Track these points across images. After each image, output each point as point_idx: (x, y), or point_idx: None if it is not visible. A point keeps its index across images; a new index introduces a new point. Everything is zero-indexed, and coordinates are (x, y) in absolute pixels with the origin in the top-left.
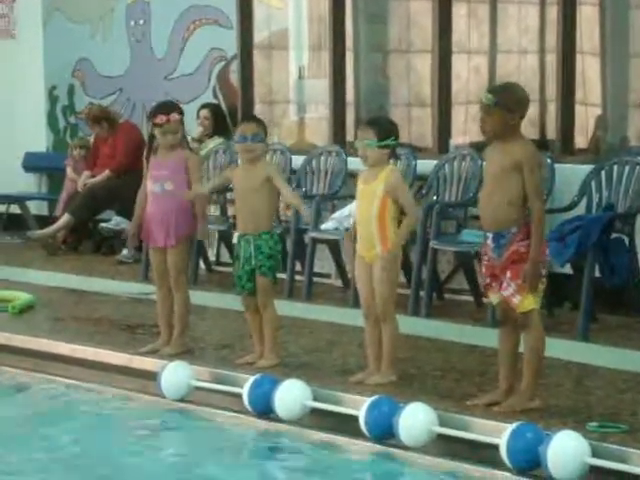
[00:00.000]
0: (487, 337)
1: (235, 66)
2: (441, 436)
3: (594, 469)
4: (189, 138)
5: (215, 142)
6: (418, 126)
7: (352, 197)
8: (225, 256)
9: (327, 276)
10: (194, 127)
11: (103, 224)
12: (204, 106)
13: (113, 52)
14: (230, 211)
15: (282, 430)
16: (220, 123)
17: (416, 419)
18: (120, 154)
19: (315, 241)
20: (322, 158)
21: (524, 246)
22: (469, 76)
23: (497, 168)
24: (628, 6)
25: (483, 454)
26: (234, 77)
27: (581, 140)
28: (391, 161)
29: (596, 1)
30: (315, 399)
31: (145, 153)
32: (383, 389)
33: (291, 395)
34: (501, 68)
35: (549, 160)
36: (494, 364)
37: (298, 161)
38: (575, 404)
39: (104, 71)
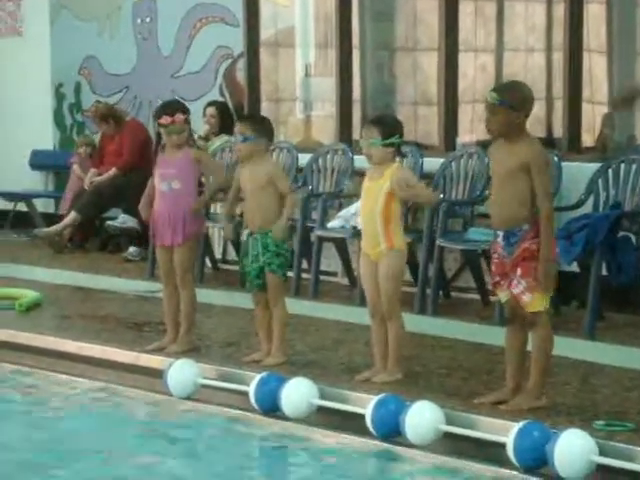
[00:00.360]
0: (494, 335)
1: (242, 64)
2: (447, 434)
3: (601, 467)
4: (196, 136)
5: (222, 140)
6: (424, 124)
7: (359, 195)
8: (231, 254)
9: (334, 274)
10: (201, 125)
11: (110, 222)
12: (210, 104)
13: (120, 50)
14: (237, 209)
15: (288, 428)
16: (226, 121)
17: (422, 417)
18: (127, 152)
19: (321, 239)
20: (328, 156)
21: (535, 243)
22: (476, 74)
23: (504, 169)
24: (635, 4)
25: (490, 452)
26: (240, 75)
27: (588, 138)
28: (397, 159)
29: None
30: (322, 397)
31: (154, 150)
32: (389, 387)
33: (298, 393)
34: (508, 66)
35: (556, 158)
36: (501, 362)
37: (304, 159)
38: (582, 402)
39: (111, 69)
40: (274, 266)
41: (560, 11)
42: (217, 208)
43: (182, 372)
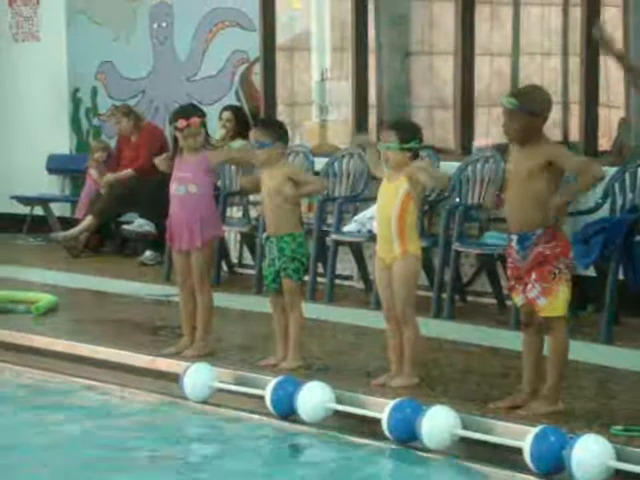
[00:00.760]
0: (510, 340)
1: (257, 68)
2: (464, 439)
3: (619, 473)
4: (213, 141)
5: (238, 144)
6: (440, 128)
7: (375, 199)
8: (247, 258)
9: (349, 278)
10: (217, 130)
11: (126, 226)
12: (226, 108)
13: (136, 54)
14: (252, 213)
15: (304, 432)
16: (242, 125)
17: (439, 422)
18: (143, 155)
19: (337, 243)
20: (344, 160)
21: (549, 248)
22: (491, 78)
23: (523, 170)
24: None
25: (506, 457)
26: (256, 79)
27: (604, 142)
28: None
29: (619, 3)
30: (338, 401)
31: (171, 155)
32: (405, 391)
33: (314, 397)
34: (524, 70)
35: None
36: (517, 367)
37: (320, 163)
38: (599, 407)
39: (127, 73)
40: (289, 271)
41: (576, 15)
42: (233, 212)
43: (198, 376)
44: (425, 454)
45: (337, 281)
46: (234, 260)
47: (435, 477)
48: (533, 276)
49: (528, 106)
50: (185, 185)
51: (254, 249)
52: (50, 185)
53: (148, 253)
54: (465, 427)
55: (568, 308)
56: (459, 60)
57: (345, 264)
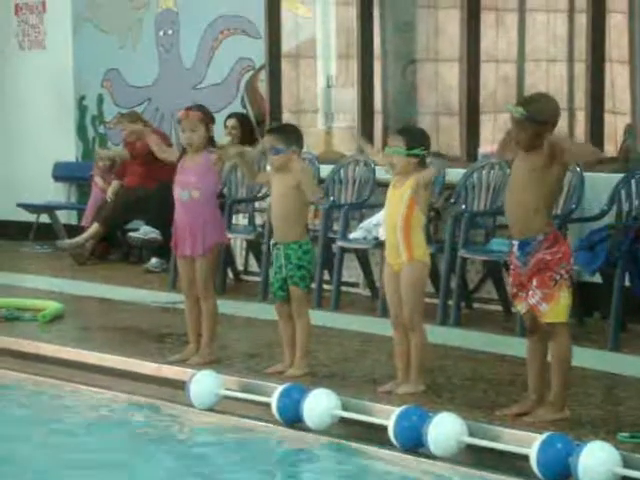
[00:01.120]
0: (516, 346)
1: (263, 75)
2: (470, 446)
3: None
4: (218, 145)
5: None
6: (446, 135)
7: (381, 206)
8: (253, 265)
9: (355, 285)
10: (222, 137)
11: (131, 233)
12: (231, 116)
13: (142, 62)
14: (258, 220)
15: (310, 440)
16: (247, 132)
17: (445, 429)
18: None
19: (343, 250)
20: (350, 167)
21: (549, 254)
22: (497, 85)
23: (525, 173)
24: None
25: (512, 464)
26: (262, 86)
27: (610, 149)
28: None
29: (625, 9)
30: (344, 409)
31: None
32: (412, 399)
33: (320, 404)
34: (529, 77)
35: (578, 169)
36: (523, 374)
37: (326, 170)
38: (605, 414)
39: (133, 81)
40: (296, 279)
41: (582, 21)
42: (239, 219)
43: (204, 383)
44: (431, 461)
45: (343, 288)
46: (240, 267)
47: None
48: (534, 282)
49: (536, 115)
50: (188, 190)
51: (260, 256)
52: (56, 193)
53: (154, 260)
54: (471, 434)
55: (574, 315)
56: (464, 67)
57: (351, 271)
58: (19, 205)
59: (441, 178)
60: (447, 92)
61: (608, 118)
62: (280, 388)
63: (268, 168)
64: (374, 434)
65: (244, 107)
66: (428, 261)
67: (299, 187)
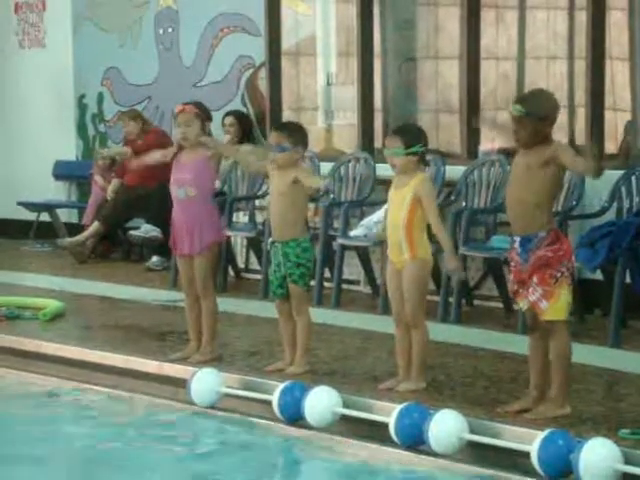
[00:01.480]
0: (517, 343)
1: (263, 73)
2: (471, 443)
3: (627, 476)
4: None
5: (244, 149)
6: (446, 132)
7: (381, 203)
8: (254, 263)
9: (356, 283)
10: (222, 135)
11: (132, 232)
12: (228, 114)
13: (142, 60)
14: (259, 218)
15: (312, 437)
16: (246, 129)
17: (446, 426)
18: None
19: (344, 248)
20: (350, 165)
21: (551, 251)
22: (497, 82)
23: (525, 170)
24: None
25: (514, 461)
26: (262, 84)
27: (611, 145)
28: (427, 169)
29: (625, 6)
30: (345, 406)
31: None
32: (413, 396)
33: (321, 402)
34: (529, 74)
35: None
36: (524, 371)
37: (326, 168)
38: (607, 411)
39: (133, 79)
40: (295, 277)
41: (582, 18)
42: (239, 217)
43: (205, 381)
44: (432, 458)
45: (344, 286)
46: (241, 265)
47: None
48: (535, 279)
49: (535, 111)
50: (184, 188)
51: (260, 254)
52: (56, 191)
53: (155, 259)
54: (473, 431)
55: (575, 312)
56: (465, 64)
57: (352, 268)
58: (19, 204)
59: (441, 176)
60: (447, 90)
61: (608, 115)
62: (281, 386)
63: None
64: (375, 431)
65: (244, 105)
66: (431, 259)
67: (298, 182)
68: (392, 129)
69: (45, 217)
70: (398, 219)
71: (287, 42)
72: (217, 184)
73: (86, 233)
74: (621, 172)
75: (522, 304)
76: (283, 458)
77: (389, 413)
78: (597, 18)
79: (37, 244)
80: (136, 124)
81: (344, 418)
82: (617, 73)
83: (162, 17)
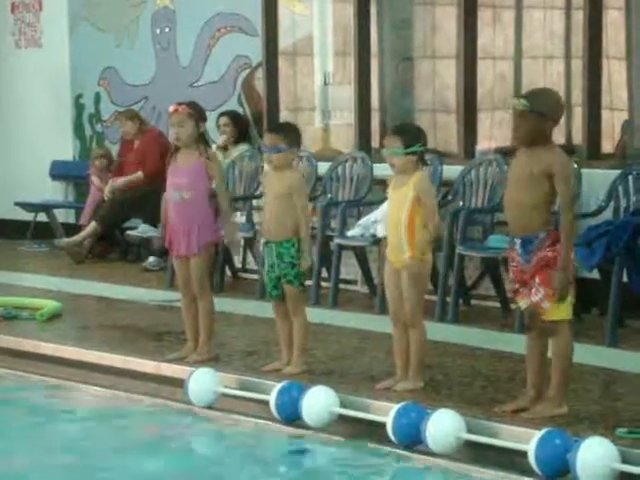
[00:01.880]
0: (514, 343)
1: (260, 73)
2: (469, 442)
3: (624, 475)
4: (214, 147)
5: (239, 149)
6: (443, 132)
7: (379, 203)
8: (251, 263)
9: (353, 283)
10: (218, 136)
11: (130, 232)
12: (223, 114)
13: (138, 60)
14: (256, 218)
15: (309, 437)
16: (242, 129)
17: (444, 425)
18: (152, 157)
19: (341, 247)
20: (347, 165)
21: (552, 251)
22: (494, 82)
23: (525, 172)
24: None
25: (511, 460)
26: (259, 84)
27: (608, 145)
28: (425, 168)
29: (622, 5)
30: (342, 406)
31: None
32: (410, 395)
33: (318, 402)
34: (526, 73)
35: (576, 165)
36: (521, 370)
37: (323, 168)
38: (604, 410)
39: (130, 79)
40: (290, 277)
41: (579, 18)
42: (237, 217)
43: (203, 381)
44: (430, 458)
45: (341, 285)
46: (238, 265)
47: None
48: (537, 280)
49: (538, 107)
50: (179, 192)
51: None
52: (54, 191)
53: (152, 259)
54: (470, 431)
55: (572, 311)
56: (461, 64)
57: (349, 268)
58: (16, 204)
59: (438, 175)
60: (444, 89)
61: (605, 114)
62: (278, 386)
63: (265, 166)
64: (373, 431)
65: (241, 105)
66: (430, 258)
67: (292, 192)
68: (391, 129)
69: (42, 217)
70: (399, 219)
71: (284, 42)
72: (213, 185)
73: (83, 233)
74: (618, 172)
75: (522, 303)
76: (280, 458)
77: (387, 413)
78: (594, 17)
79: (34, 244)
80: (133, 124)
81: (341, 418)
82: (614, 72)
83: (159, 17)
